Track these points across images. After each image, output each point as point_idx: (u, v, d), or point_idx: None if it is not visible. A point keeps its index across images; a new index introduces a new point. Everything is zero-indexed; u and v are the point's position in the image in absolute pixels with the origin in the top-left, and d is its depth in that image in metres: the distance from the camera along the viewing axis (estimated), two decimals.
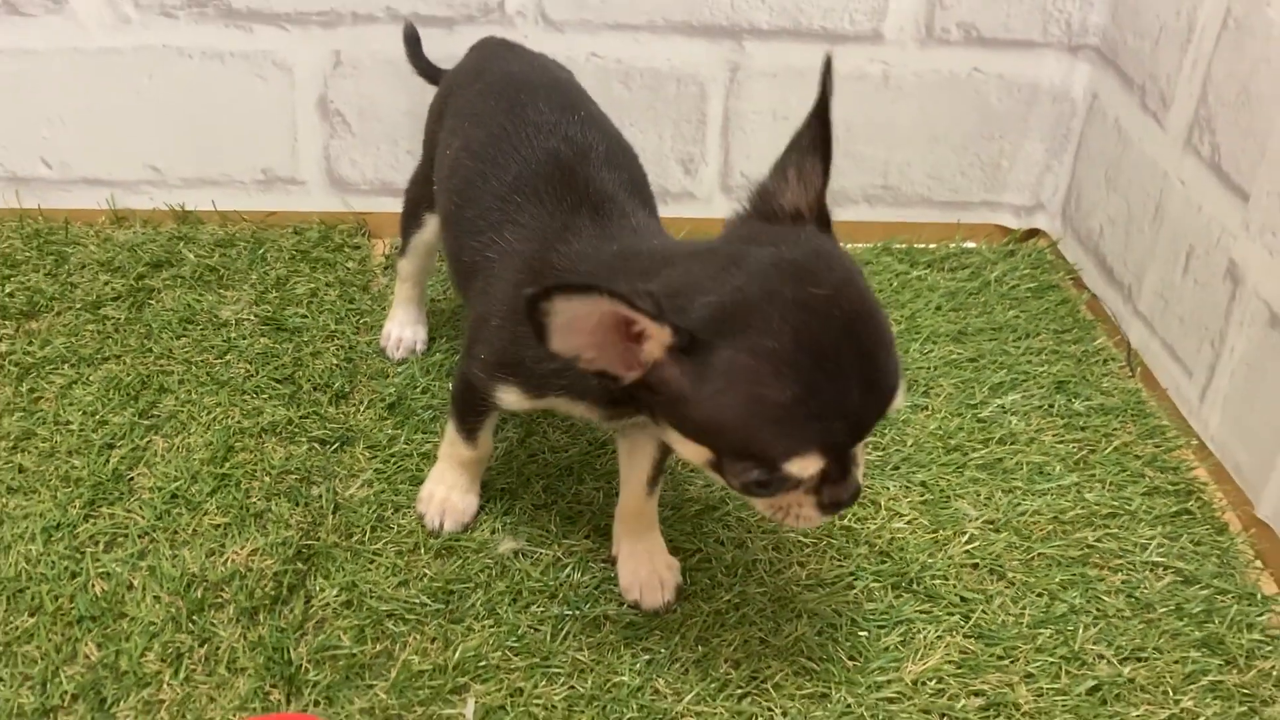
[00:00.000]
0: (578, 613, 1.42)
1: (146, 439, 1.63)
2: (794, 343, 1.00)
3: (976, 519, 1.57)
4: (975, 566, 1.51)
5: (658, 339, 1.02)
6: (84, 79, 1.99)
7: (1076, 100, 2.10)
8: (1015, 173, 2.19)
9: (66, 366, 1.74)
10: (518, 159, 1.36)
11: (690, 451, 1.11)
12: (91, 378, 1.72)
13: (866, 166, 2.17)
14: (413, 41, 1.90)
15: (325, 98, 2.04)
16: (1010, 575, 1.49)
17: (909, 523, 1.56)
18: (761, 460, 1.05)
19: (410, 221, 1.73)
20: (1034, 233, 2.25)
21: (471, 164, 1.42)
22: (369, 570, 1.46)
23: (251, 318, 1.88)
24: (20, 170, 2.07)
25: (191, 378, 1.74)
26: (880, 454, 1.67)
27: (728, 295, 1.03)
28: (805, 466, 1.05)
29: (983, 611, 1.44)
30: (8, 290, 1.88)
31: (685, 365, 1.03)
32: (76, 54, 1.97)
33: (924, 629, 1.41)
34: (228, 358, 1.79)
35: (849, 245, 2.15)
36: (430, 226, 1.68)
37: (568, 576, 1.47)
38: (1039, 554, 1.52)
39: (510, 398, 1.32)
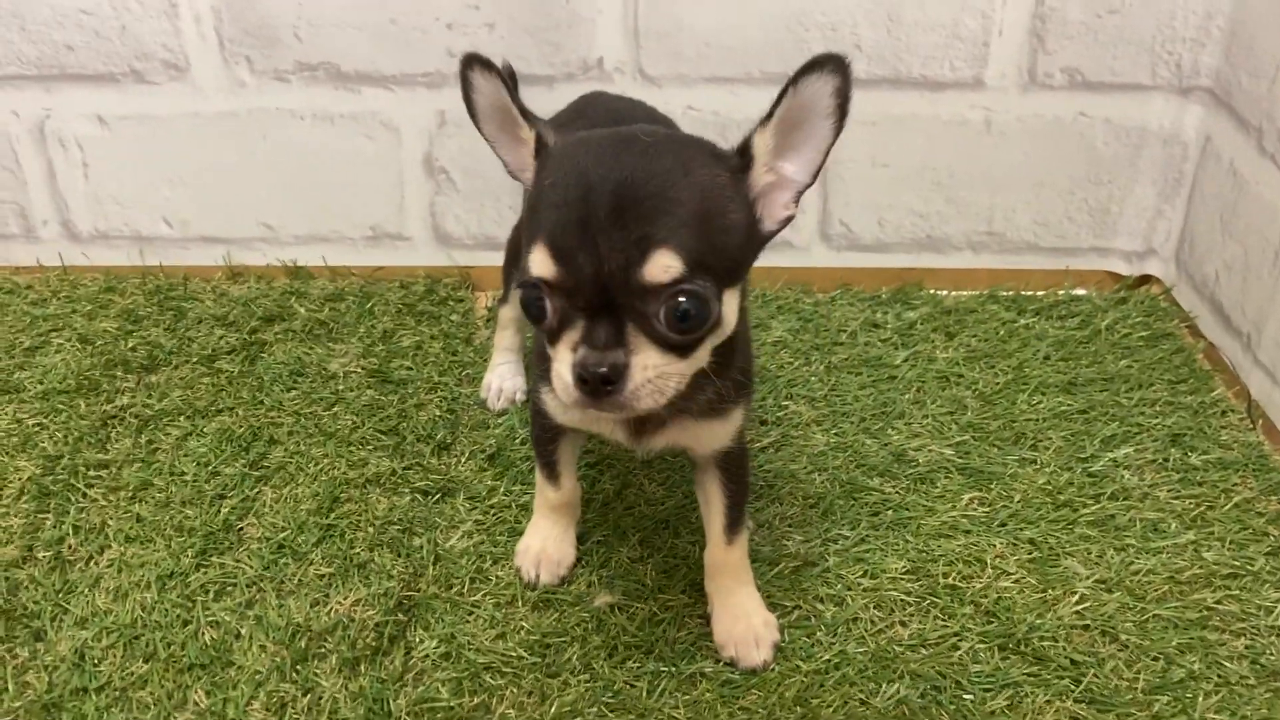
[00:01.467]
0: (674, 669, 1.41)
1: (256, 489, 1.67)
2: (572, 165, 1.11)
3: (1087, 578, 1.51)
4: (1086, 628, 1.45)
5: (528, 141, 1.18)
6: (202, 141, 2.08)
7: (1188, 143, 2.04)
8: (1125, 218, 2.13)
9: (182, 419, 1.80)
10: None
11: None
12: (205, 429, 1.78)
13: (970, 213, 2.14)
14: (508, 82, 1.93)
15: (431, 156, 2.09)
16: (1124, 637, 1.43)
17: (1016, 581, 1.52)
18: (524, 252, 1.12)
19: (511, 266, 1.76)
20: (1146, 279, 2.18)
21: None
22: (467, 622, 1.47)
23: (359, 370, 1.92)
24: (144, 229, 2.17)
25: (300, 429, 1.79)
26: (986, 510, 1.63)
27: (577, 137, 1.17)
28: (538, 262, 1.08)
29: (1095, 675, 1.38)
30: (130, 345, 1.96)
31: (535, 173, 1.18)
32: (196, 118, 2.05)
33: (1032, 693, 1.36)
34: (335, 409, 1.83)
35: (954, 293, 2.12)
36: None
37: (664, 632, 1.46)
38: (1154, 615, 1.46)
39: (554, 407, 1.36)
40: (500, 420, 1.83)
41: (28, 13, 1.95)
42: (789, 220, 1.18)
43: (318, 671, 1.40)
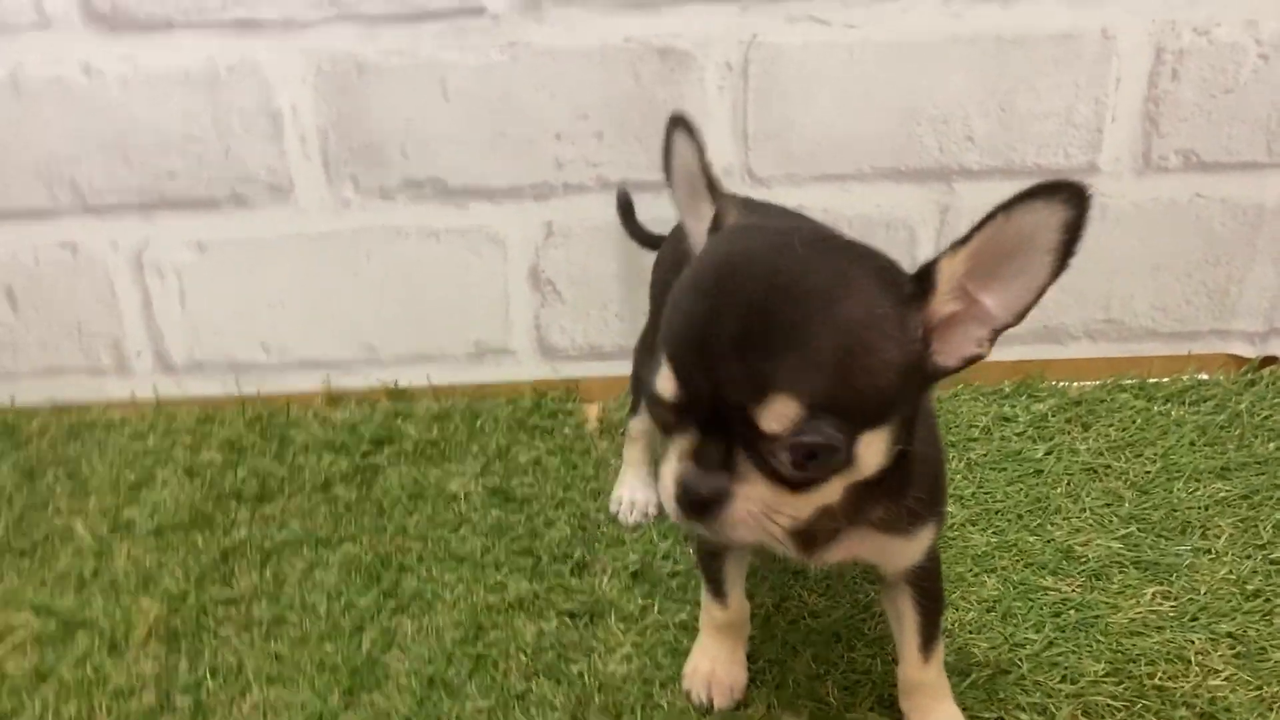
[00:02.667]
0: None
1: (394, 620, 1.58)
2: (709, 270, 1.02)
3: None
4: None
5: (708, 217, 1.11)
6: (303, 263, 2.03)
7: None
8: (1245, 298, 2.09)
9: (305, 549, 1.72)
10: None
11: None
12: (330, 560, 1.69)
13: (1087, 300, 2.09)
14: (626, 207, 1.92)
15: (537, 267, 2.05)
16: None
17: (1227, 679, 1.42)
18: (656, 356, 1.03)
19: (641, 378, 1.71)
20: (1270, 360, 2.12)
21: None
22: None
23: (480, 490, 1.84)
24: (240, 356, 2.11)
25: (429, 554, 1.70)
26: (1173, 604, 1.54)
27: (738, 225, 1.10)
28: (660, 378, 0.99)
29: None
30: (240, 476, 1.89)
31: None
32: (297, 239, 2.01)
33: None
34: (461, 531, 1.75)
35: (1073, 383, 2.06)
36: None
37: None
38: None
39: None
40: (636, 535, 1.74)
41: (131, 140, 1.93)
42: (977, 359, 1.04)
43: None
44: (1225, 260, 2.06)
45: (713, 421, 0.98)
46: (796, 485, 0.99)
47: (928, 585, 1.31)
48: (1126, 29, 1.90)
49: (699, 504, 0.99)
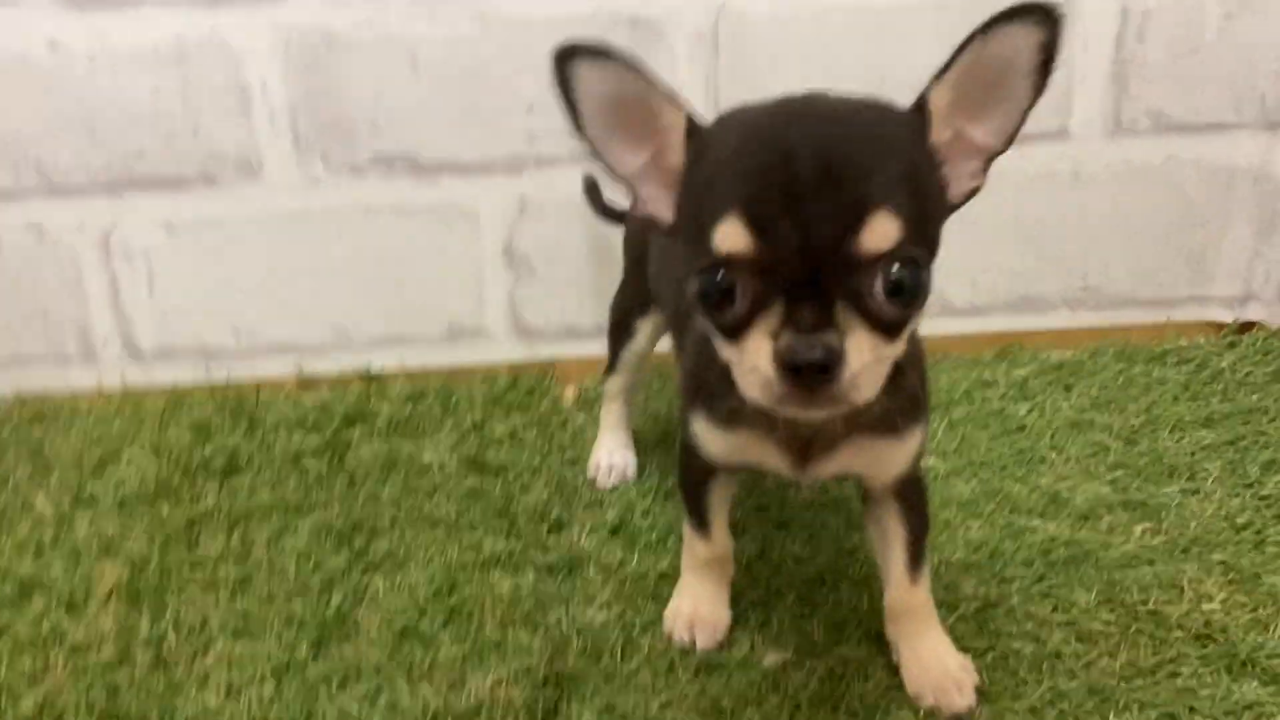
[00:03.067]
0: None
1: (366, 578, 1.53)
2: (753, 131, 0.98)
3: None
4: None
5: (676, 125, 1.03)
6: (273, 244, 2.01)
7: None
8: (1223, 262, 2.08)
9: (274, 516, 1.67)
10: None
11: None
12: (300, 526, 1.64)
13: (1064, 268, 2.08)
14: (592, 188, 1.90)
15: (511, 244, 2.03)
16: None
17: (1221, 603, 1.38)
18: (699, 237, 0.98)
19: (620, 334, 1.69)
20: (1249, 326, 2.11)
21: None
22: (626, 692, 1.31)
23: (454, 460, 1.80)
24: (210, 341, 2.08)
25: (402, 519, 1.65)
26: (1164, 539, 1.51)
27: (736, 109, 1.04)
28: (727, 236, 0.94)
29: None
30: (207, 452, 1.84)
31: (686, 158, 1.04)
32: (267, 220, 1.99)
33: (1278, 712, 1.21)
34: (436, 498, 1.71)
35: (1054, 354, 2.03)
36: (643, 333, 1.67)
37: (848, 686, 1.30)
38: None
39: (707, 435, 1.24)
40: (615, 497, 1.70)
41: (99, 118, 1.91)
42: (975, 192, 1.05)
43: None
44: (1201, 224, 2.06)
45: (799, 280, 0.94)
46: (890, 328, 0.97)
47: (914, 499, 1.29)
48: None
49: (813, 370, 0.93)
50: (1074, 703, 1.25)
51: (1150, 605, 1.38)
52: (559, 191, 1.99)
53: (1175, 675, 1.28)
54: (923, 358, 1.25)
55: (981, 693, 1.27)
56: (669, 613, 1.41)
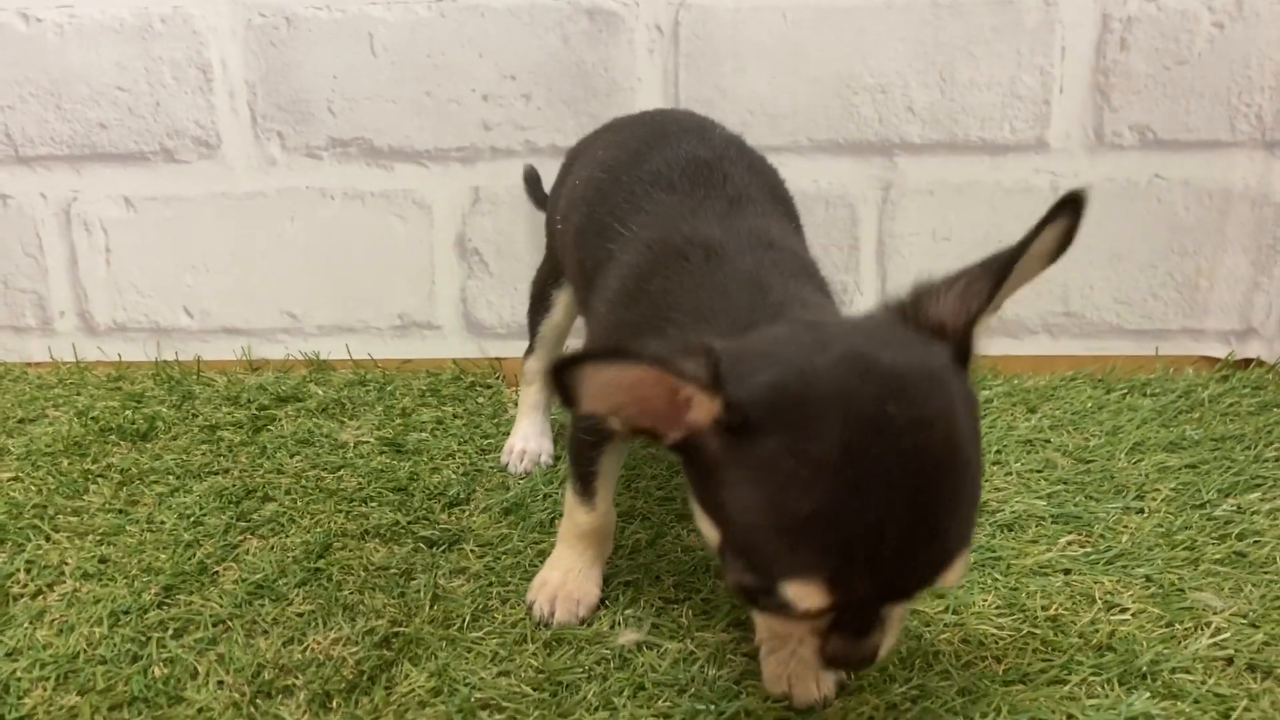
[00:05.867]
0: (712, 708, 1.14)
1: (241, 539, 1.47)
2: (843, 458, 0.83)
3: (1224, 610, 1.23)
4: (1230, 661, 1.16)
5: (706, 408, 0.87)
6: (228, 224, 2.01)
7: None
8: (1217, 292, 1.94)
9: (171, 477, 1.63)
10: (654, 157, 1.30)
11: (704, 525, 0.95)
12: (194, 488, 1.60)
13: (1044, 290, 1.96)
14: (533, 181, 1.88)
15: (463, 236, 1.99)
16: None
17: (1134, 615, 1.24)
18: (760, 570, 0.88)
19: (538, 308, 1.65)
20: (1247, 363, 1.95)
21: (605, 175, 1.35)
22: (465, 659, 1.22)
23: (372, 440, 1.75)
24: (163, 320, 2.07)
25: (299, 489, 1.60)
26: (1088, 550, 1.37)
27: (795, 379, 0.86)
28: (804, 596, 0.86)
29: (1247, 709, 1.08)
30: (129, 417, 1.82)
31: (728, 441, 0.87)
32: (223, 199, 1.99)
33: None
34: (341, 473, 1.65)
35: (1031, 382, 1.91)
36: (560, 305, 1.63)
37: (700, 670, 1.20)
38: None
39: None
40: (522, 482, 1.63)
41: (65, 90, 1.94)
42: None
43: (282, 707, 1.16)
44: (1193, 250, 1.93)
45: (860, 606, 0.91)
46: None
47: None
48: None
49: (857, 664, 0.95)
50: (940, 701, 1.12)
51: (1051, 612, 1.25)
52: (513, 184, 1.95)
53: (1061, 683, 1.15)
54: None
55: (843, 686, 1.16)
56: (535, 583, 1.33)
